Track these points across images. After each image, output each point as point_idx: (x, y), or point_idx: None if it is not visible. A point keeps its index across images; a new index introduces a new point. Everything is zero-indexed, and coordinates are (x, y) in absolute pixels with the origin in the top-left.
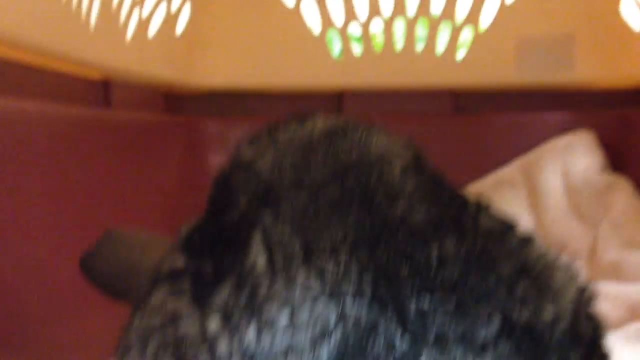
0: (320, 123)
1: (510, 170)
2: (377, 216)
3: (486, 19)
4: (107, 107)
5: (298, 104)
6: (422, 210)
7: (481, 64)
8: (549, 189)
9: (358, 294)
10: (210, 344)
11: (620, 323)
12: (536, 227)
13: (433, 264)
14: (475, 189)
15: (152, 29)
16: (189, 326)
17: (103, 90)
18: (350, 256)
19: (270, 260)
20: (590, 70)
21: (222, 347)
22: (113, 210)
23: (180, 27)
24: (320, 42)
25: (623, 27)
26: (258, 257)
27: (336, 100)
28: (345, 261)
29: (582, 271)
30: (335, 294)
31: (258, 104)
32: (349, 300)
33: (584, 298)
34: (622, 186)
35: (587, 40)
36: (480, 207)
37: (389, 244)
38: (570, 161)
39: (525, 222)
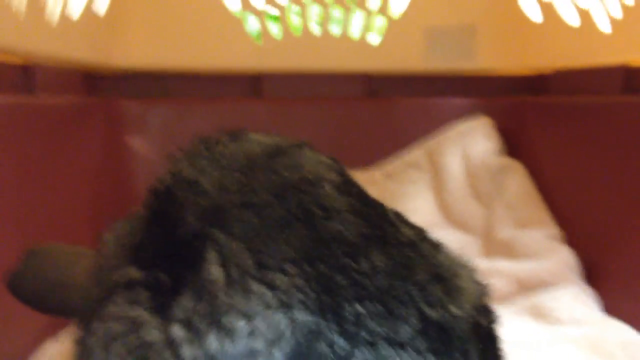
0: (255, 142)
1: (417, 154)
2: (316, 232)
3: (398, 8)
4: (28, 92)
5: (217, 85)
6: (353, 226)
7: (393, 50)
8: (450, 172)
9: (305, 303)
10: (175, 349)
11: (512, 297)
12: (439, 205)
13: (365, 275)
14: (386, 169)
15: (74, 11)
16: (151, 333)
17: (24, 74)
18: (296, 270)
19: (226, 274)
20: (490, 59)
21: (187, 352)
22: (35, 194)
23: (101, 8)
24: (240, 24)
25: (522, 19)
26: (214, 271)
27: (254, 82)
28: (293, 274)
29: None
30: (286, 304)
31: (177, 85)
32: (297, 308)
33: (482, 294)
34: (516, 169)
35: (488, 31)
36: (400, 219)
37: (328, 259)
38: (470, 145)
39: (429, 200)
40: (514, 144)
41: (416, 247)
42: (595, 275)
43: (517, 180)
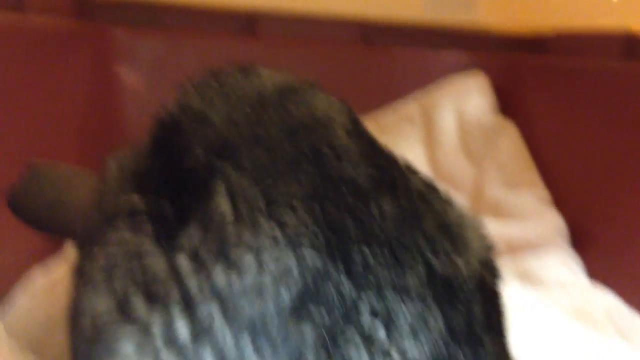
0: (266, 78)
1: (410, 107)
2: (326, 173)
3: None
4: (18, 10)
5: (210, 20)
6: (364, 170)
7: None
8: (443, 127)
9: (313, 242)
10: (179, 279)
11: (498, 258)
12: (429, 160)
13: (374, 220)
14: (379, 122)
15: None
16: (155, 261)
17: None
18: (305, 208)
19: (235, 208)
20: (489, 14)
21: (192, 283)
22: (23, 116)
23: None
24: None
25: None
26: (222, 204)
27: (249, 20)
28: (302, 214)
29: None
30: (294, 241)
31: (169, 17)
32: (305, 247)
33: (487, 249)
34: (508, 129)
35: None
36: (410, 169)
37: (337, 200)
38: (464, 101)
39: (420, 155)
40: (508, 102)
41: (425, 198)
42: (581, 240)
43: (509, 141)
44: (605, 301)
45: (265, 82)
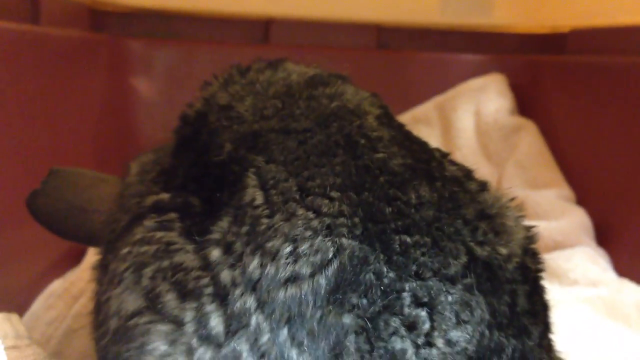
0: (295, 72)
1: (426, 109)
2: (361, 161)
3: None
4: (34, 21)
5: (224, 29)
6: (399, 157)
7: (407, 2)
8: (461, 128)
9: (352, 230)
10: (213, 274)
11: None
12: None
13: (412, 206)
14: None
15: None
16: (186, 258)
17: (30, 3)
18: (341, 196)
19: (268, 198)
20: (507, 15)
21: (225, 275)
22: (40, 126)
23: None
24: None
25: None
26: (256, 196)
27: (262, 28)
28: (339, 203)
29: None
30: (332, 229)
31: (183, 27)
32: (344, 235)
33: (529, 237)
34: (528, 129)
35: None
36: (443, 155)
37: (374, 188)
38: (482, 102)
39: None
40: (527, 102)
41: (462, 184)
42: (607, 236)
43: (529, 140)
44: (636, 295)
45: (292, 75)
